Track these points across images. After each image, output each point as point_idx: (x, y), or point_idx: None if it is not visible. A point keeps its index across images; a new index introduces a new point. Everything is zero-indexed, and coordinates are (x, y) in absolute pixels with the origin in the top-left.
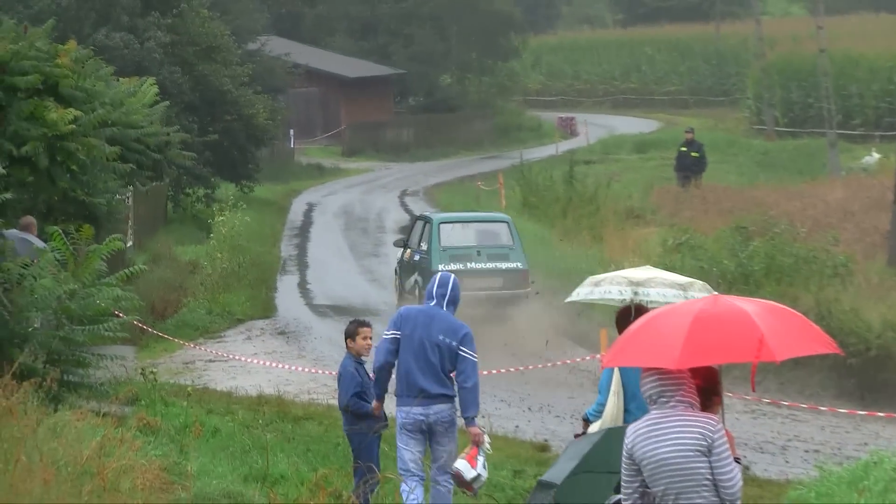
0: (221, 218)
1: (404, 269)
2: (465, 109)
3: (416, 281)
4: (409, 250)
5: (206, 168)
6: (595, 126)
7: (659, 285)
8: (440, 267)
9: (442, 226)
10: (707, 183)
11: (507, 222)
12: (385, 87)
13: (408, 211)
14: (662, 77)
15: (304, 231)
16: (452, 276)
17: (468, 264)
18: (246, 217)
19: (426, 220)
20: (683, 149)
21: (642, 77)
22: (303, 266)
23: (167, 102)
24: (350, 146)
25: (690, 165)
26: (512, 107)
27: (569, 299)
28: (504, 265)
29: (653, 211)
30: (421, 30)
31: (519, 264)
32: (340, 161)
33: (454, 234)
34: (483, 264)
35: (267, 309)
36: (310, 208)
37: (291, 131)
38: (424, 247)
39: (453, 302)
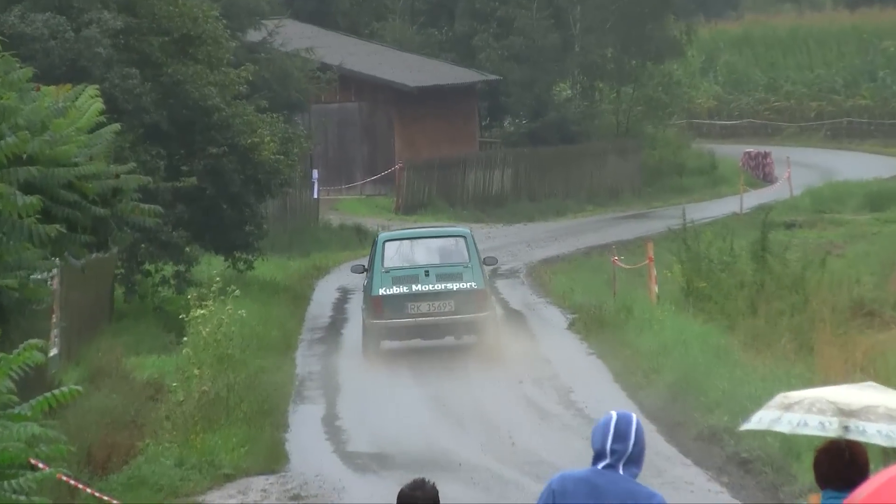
0: (202, 312)
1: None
2: (592, 139)
3: (362, 310)
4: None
5: (179, 231)
6: (803, 167)
7: (882, 418)
8: (381, 291)
9: (387, 244)
10: None
11: (464, 237)
12: (466, 103)
13: (501, 302)
14: None
15: (333, 333)
16: (634, 418)
17: (413, 286)
18: (241, 310)
19: (374, 240)
20: None
21: (879, 89)
22: (331, 390)
23: (118, 126)
24: (409, 196)
25: None
26: (670, 135)
27: (746, 426)
28: (456, 286)
29: (895, 305)
30: (524, 12)
31: (474, 284)
32: (393, 220)
33: (401, 253)
34: (431, 285)
35: (273, 458)
36: (343, 297)
37: (315, 172)
38: (370, 269)
39: (637, 461)
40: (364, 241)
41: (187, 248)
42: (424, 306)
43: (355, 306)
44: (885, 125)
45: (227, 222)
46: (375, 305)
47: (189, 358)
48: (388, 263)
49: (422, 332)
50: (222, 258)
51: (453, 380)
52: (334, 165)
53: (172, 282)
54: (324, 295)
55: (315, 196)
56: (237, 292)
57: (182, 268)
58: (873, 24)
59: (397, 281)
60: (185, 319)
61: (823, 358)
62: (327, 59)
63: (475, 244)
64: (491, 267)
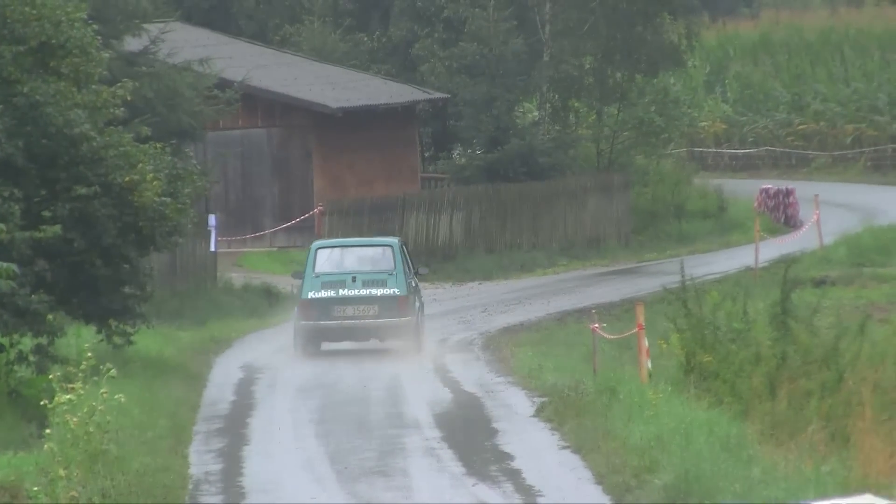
0: (69, 397)
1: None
2: (567, 173)
3: (294, 314)
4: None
5: (40, 294)
6: (836, 207)
7: None
8: (310, 294)
9: (319, 251)
10: None
11: (391, 246)
12: (405, 129)
13: (451, 383)
14: None
15: (236, 424)
16: None
17: (340, 291)
18: (119, 395)
19: (310, 248)
20: None
21: None
22: (235, 495)
23: None
24: None
25: None
26: (666, 168)
27: None
28: (380, 291)
29: None
30: (479, 11)
31: (396, 290)
32: None
33: (332, 260)
34: (357, 291)
35: None
36: (249, 377)
37: (213, 218)
38: (303, 274)
39: None
40: (275, 304)
41: (50, 316)
42: (350, 310)
43: (267, 391)
44: None
45: (100, 283)
46: (304, 308)
47: (53, 455)
48: (318, 269)
49: (347, 334)
50: (94, 328)
51: (388, 478)
52: (237, 209)
53: (31, 358)
54: (224, 375)
55: (212, 249)
56: (113, 372)
57: (44, 341)
58: None
59: (326, 286)
60: (48, 406)
61: (863, 451)
62: (227, 74)
63: (403, 253)
64: (422, 275)
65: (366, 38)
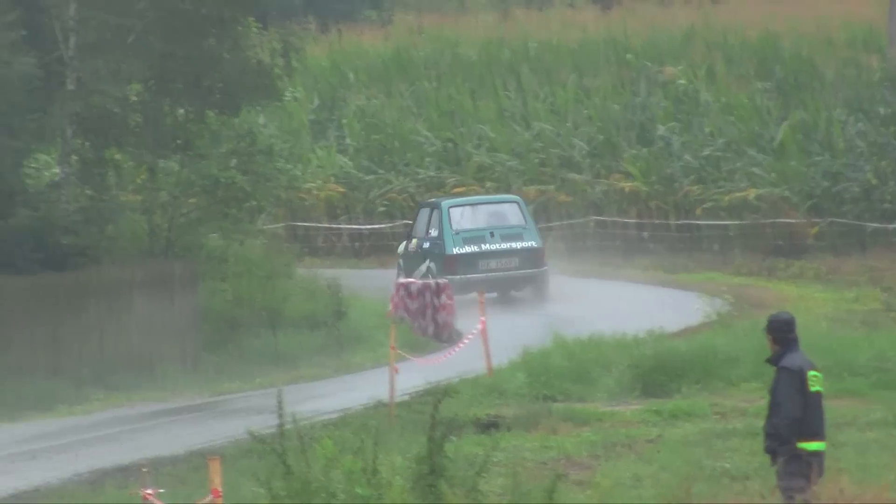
0: None
1: (410, 259)
2: (104, 260)
3: (428, 268)
4: (414, 240)
5: None
6: (513, 312)
7: None
8: (455, 250)
9: (451, 210)
10: None
11: (517, 202)
12: None
13: None
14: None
15: None
16: None
17: (482, 246)
18: None
19: (433, 207)
20: None
21: (659, 159)
22: None
23: None
24: None
25: None
26: (255, 252)
27: None
28: (519, 244)
29: None
30: None
31: (533, 243)
32: None
33: (465, 218)
34: (498, 245)
35: None
36: None
37: None
38: (434, 233)
39: None
40: None
41: None
42: (493, 263)
43: None
44: (671, 229)
45: None
46: (451, 263)
47: None
48: (455, 226)
49: (491, 285)
50: None
51: None
52: None
53: None
54: None
55: None
56: None
57: None
58: (635, 37)
59: (468, 241)
60: None
61: None
62: None
63: (526, 208)
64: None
65: None
